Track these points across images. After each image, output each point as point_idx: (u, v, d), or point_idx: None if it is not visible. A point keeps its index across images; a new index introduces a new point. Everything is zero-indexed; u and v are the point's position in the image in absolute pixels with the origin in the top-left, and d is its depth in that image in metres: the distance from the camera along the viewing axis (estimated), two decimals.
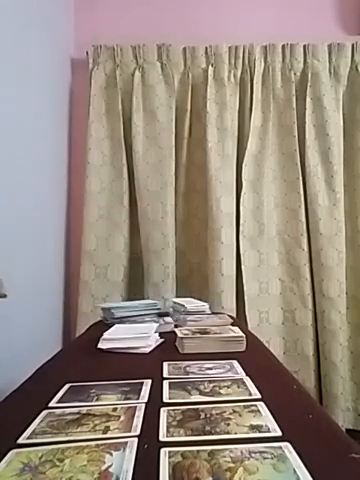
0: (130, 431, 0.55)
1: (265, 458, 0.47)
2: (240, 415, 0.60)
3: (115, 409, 0.63)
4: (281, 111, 2.02)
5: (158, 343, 1.09)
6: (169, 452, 0.49)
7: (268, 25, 2.08)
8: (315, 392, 1.89)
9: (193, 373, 0.82)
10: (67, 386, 0.76)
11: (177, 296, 1.87)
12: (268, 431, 0.54)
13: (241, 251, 1.92)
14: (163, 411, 0.62)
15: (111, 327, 1.19)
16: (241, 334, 1.04)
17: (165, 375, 0.81)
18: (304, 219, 1.96)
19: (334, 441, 0.53)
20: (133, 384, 0.75)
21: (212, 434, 0.54)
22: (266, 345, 1.20)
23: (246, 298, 1.90)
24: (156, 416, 0.60)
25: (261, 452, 0.48)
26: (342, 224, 1.95)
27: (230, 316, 1.44)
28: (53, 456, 0.49)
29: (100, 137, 1.98)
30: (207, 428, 0.55)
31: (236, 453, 0.48)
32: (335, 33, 2.10)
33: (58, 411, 0.64)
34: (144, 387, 0.74)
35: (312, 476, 0.43)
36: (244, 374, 0.80)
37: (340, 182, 1.97)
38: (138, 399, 0.68)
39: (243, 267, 1.90)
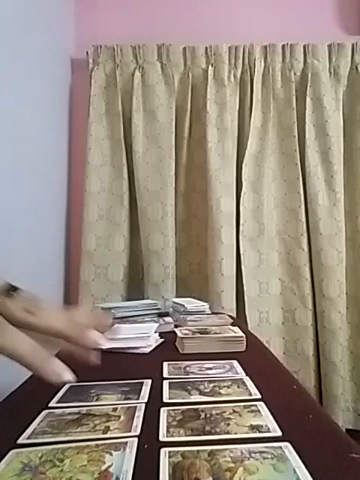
0: (130, 431, 0.55)
1: (265, 458, 0.47)
2: (240, 415, 0.59)
3: (115, 409, 0.63)
4: (281, 111, 2.02)
5: (158, 343, 1.09)
6: (169, 452, 0.49)
7: (268, 25, 2.08)
8: (315, 392, 1.89)
9: (193, 373, 0.82)
10: (67, 386, 0.76)
11: (177, 296, 1.87)
12: (268, 431, 0.54)
13: (241, 251, 1.92)
14: (163, 411, 0.62)
15: (111, 327, 1.19)
16: (241, 334, 1.04)
17: (165, 375, 0.81)
18: (304, 219, 1.97)
19: (334, 441, 0.53)
20: (133, 384, 0.75)
21: (212, 434, 0.54)
22: (266, 345, 1.20)
23: (246, 298, 1.90)
24: (156, 416, 0.60)
25: (261, 452, 0.48)
26: (342, 224, 1.95)
27: (230, 316, 1.44)
28: (53, 456, 0.49)
29: (100, 137, 1.98)
30: (207, 428, 0.55)
31: (236, 453, 0.48)
32: (335, 33, 2.10)
33: (58, 411, 0.64)
34: (144, 387, 0.74)
35: (312, 476, 0.43)
36: (244, 374, 0.80)
37: (340, 182, 1.97)
38: (138, 399, 0.68)
39: (243, 267, 1.90)
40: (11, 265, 1.34)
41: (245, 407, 0.63)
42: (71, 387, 0.76)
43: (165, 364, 0.88)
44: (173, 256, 1.94)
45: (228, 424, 0.56)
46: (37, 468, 0.46)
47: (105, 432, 0.55)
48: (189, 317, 1.32)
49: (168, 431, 0.55)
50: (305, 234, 1.96)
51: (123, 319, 1.41)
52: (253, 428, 0.55)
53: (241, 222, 1.94)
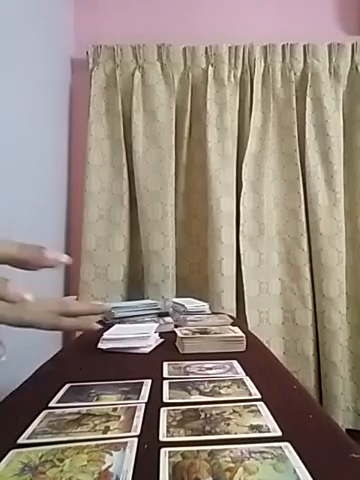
0: (130, 431, 0.55)
1: (265, 458, 0.47)
2: (240, 415, 0.60)
3: (115, 409, 0.63)
4: (281, 111, 2.02)
5: (158, 343, 1.09)
6: (169, 452, 0.49)
7: (268, 25, 2.08)
8: (315, 392, 1.89)
9: (193, 373, 0.82)
10: (67, 386, 0.76)
11: (177, 296, 1.87)
12: (268, 431, 0.54)
13: (241, 251, 1.92)
14: (163, 411, 0.62)
15: (111, 327, 1.19)
16: (241, 334, 1.04)
17: (165, 375, 0.81)
18: (304, 219, 1.97)
19: (334, 441, 0.53)
20: (133, 384, 0.75)
21: (212, 434, 0.54)
22: (266, 345, 1.20)
23: (246, 298, 1.90)
24: (156, 416, 0.60)
25: (261, 452, 0.48)
26: (342, 224, 1.95)
27: (230, 316, 1.44)
28: (53, 456, 0.49)
29: (100, 137, 1.98)
30: (207, 428, 0.55)
31: (236, 453, 0.48)
32: (335, 33, 2.10)
33: (58, 411, 0.64)
34: (144, 387, 0.74)
35: (312, 476, 0.43)
36: (244, 374, 0.80)
37: (340, 182, 1.97)
38: (138, 399, 0.68)
39: (243, 267, 1.90)
40: None
41: (245, 407, 0.63)
42: (71, 387, 0.76)
43: (165, 364, 0.88)
44: (173, 256, 1.94)
45: (228, 424, 0.56)
46: (37, 468, 0.46)
47: (105, 432, 0.55)
48: (189, 317, 1.32)
49: (168, 431, 0.55)
50: (305, 234, 1.96)
51: (123, 319, 1.41)
52: (253, 428, 0.55)
53: (241, 222, 1.94)
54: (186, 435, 0.54)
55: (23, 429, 0.57)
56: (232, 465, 0.45)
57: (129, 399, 0.68)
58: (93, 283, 1.89)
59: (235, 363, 0.88)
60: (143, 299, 1.81)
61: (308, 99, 1.98)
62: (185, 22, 2.10)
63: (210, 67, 2.00)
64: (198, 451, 0.49)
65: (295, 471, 0.44)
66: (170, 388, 0.73)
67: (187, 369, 0.85)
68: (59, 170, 1.95)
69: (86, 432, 0.56)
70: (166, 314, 1.52)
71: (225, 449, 0.49)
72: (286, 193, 2.01)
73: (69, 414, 0.62)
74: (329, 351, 1.86)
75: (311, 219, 1.97)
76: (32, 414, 0.62)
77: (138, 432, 0.55)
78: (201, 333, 1.06)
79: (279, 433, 0.54)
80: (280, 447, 0.49)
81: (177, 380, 0.77)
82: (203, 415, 0.60)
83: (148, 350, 1.02)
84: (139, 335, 1.06)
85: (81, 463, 0.47)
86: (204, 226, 1.95)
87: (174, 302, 1.61)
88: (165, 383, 0.76)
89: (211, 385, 0.74)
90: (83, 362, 0.97)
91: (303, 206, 1.97)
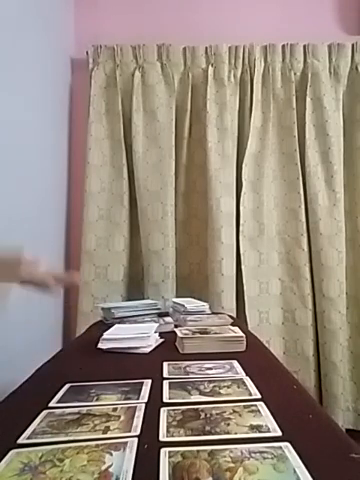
0: (130, 431, 0.55)
1: (265, 458, 0.47)
2: (240, 415, 0.60)
3: (115, 409, 0.63)
4: (281, 111, 2.02)
5: (158, 343, 1.09)
6: (169, 452, 0.49)
7: (268, 25, 2.08)
8: (315, 392, 1.89)
9: (193, 373, 0.82)
10: (67, 386, 0.76)
11: (177, 296, 1.87)
12: (268, 431, 0.54)
13: (241, 251, 1.92)
14: (163, 411, 0.62)
15: (111, 327, 1.19)
16: (241, 334, 1.04)
17: (165, 375, 0.81)
18: (304, 219, 1.96)
19: (334, 441, 0.53)
20: (133, 384, 0.75)
21: (212, 434, 0.54)
22: (266, 345, 1.20)
23: (246, 298, 1.90)
24: (156, 416, 0.60)
25: (261, 452, 0.48)
26: (342, 224, 1.95)
27: (230, 316, 1.44)
28: (53, 456, 0.49)
29: (100, 137, 1.98)
30: (207, 428, 0.55)
31: (236, 453, 0.48)
32: (335, 33, 2.10)
33: (58, 411, 0.64)
34: (144, 387, 0.74)
35: (312, 476, 0.43)
36: (244, 374, 0.80)
37: (340, 182, 1.97)
38: (138, 399, 0.68)
39: (243, 267, 1.90)
40: None
41: (245, 407, 0.63)
42: (71, 387, 0.76)
43: (165, 364, 0.88)
44: (173, 256, 1.94)
45: (228, 424, 0.57)
46: (37, 468, 0.46)
47: (105, 432, 0.56)
48: (189, 317, 1.32)
49: (168, 431, 0.55)
50: (305, 234, 1.96)
51: (123, 319, 1.41)
52: (253, 428, 0.55)
53: (241, 222, 1.94)
54: (186, 435, 0.54)
55: (23, 429, 0.57)
56: (232, 465, 0.45)
57: (129, 399, 0.68)
58: (93, 283, 1.89)
59: (235, 363, 0.88)
60: (143, 299, 1.81)
61: (308, 99, 1.98)
62: (185, 22, 2.10)
63: (210, 67, 1.99)
64: (198, 451, 0.49)
65: (295, 471, 0.44)
66: (170, 388, 0.73)
67: (187, 369, 0.85)
68: (59, 170, 1.95)
69: (86, 432, 0.56)
70: (166, 314, 1.52)
71: (225, 449, 0.49)
72: (286, 193, 2.01)
73: (69, 414, 0.62)
74: (329, 351, 1.86)
75: (311, 219, 1.97)
76: (32, 414, 0.62)
77: (138, 432, 0.55)
78: (201, 333, 1.06)
79: (279, 433, 0.54)
80: (280, 447, 0.49)
81: (177, 380, 0.77)
82: (203, 415, 0.60)
83: (148, 350, 1.02)
84: (139, 335, 1.06)
85: (81, 463, 0.47)
86: (204, 226, 1.95)
87: (174, 302, 1.61)
88: (165, 383, 0.76)
89: (211, 385, 0.74)
90: (83, 362, 0.97)
91: (303, 206, 1.97)
